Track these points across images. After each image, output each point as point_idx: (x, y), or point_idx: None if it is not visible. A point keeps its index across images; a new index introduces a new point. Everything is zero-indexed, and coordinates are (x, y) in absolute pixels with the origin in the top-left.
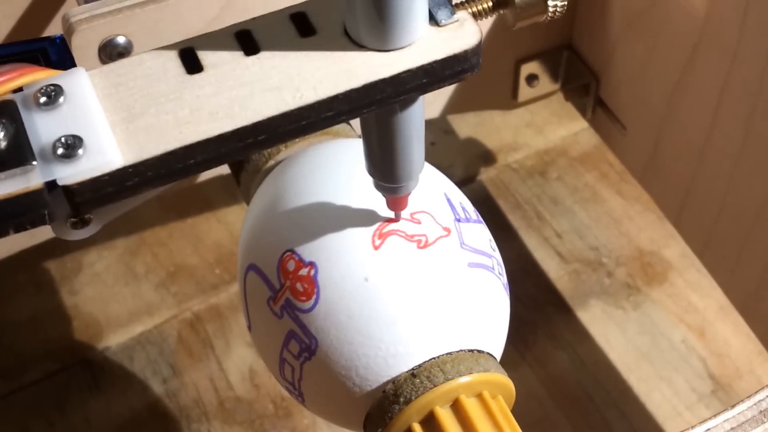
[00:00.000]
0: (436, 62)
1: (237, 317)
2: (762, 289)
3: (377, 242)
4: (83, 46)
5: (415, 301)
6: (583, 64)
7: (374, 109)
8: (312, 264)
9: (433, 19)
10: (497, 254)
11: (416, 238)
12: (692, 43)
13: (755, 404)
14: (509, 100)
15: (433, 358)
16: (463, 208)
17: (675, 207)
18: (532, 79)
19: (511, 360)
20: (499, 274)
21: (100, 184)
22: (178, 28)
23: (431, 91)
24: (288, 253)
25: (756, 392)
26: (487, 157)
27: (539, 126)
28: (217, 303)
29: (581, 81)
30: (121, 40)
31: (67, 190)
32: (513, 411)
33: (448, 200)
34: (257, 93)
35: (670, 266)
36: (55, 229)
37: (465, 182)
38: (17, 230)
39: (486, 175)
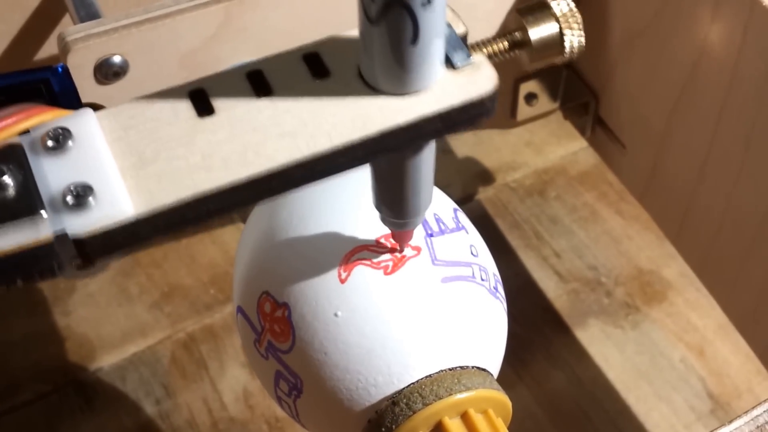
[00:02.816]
0: (453, 108)
1: (231, 338)
2: (761, 308)
3: (343, 275)
4: (79, 65)
5: (387, 329)
6: (582, 83)
7: (387, 154)
8: (285, 305)
9: (448, 62)
10: (481, 258)
11: (383, 264)
12: (692, 61)
13: (752, 419)
14: (508, 119)
15: (413, 384)
16: (438, 220)
17: (674, 226)
18: (531, 98)
19: (507, 379)
20: (482, 279)
21: (112, 234)
22: (174, 47)
23: (445, 135)
24: (264, 295)
25: (753, 407)
26: (485, 177)
27: (538, 145)
28: (212, 323)
29: (580, 100)
30: (117, 59)
31: (78, 241)
32: (509, 430)
33: None
34: (270, 139)
35: (670, 285)
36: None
37: (463, 201)
38: (25, 281)
39: (484, 194)
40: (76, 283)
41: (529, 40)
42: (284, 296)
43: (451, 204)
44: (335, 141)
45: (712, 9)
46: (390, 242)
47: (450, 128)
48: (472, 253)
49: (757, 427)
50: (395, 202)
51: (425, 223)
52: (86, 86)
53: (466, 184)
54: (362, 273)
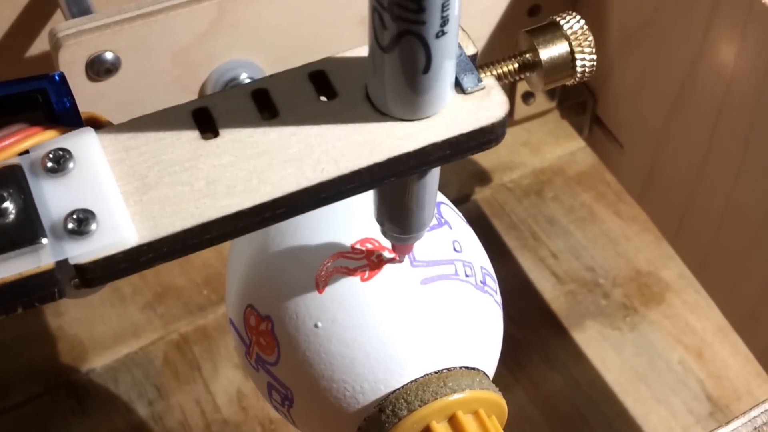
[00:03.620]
0: (462, 135)
1: (225, 339)
2: (760, 309)
3: (321, 285)
4: (71, 62)
5: (368, 337)
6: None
7: (393, 180)
8: (268, 318)
9: (458, 86)
10: (465, 253)
11: (360, 270)
12: (690, 60)
13: (750, 420)
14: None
15: (398, 390)
16: None
17: (672, 226)
18: (528, 96)
19: (504, 381)
20: (467, 275)
21: (114, 261)
22: (167, 43)
23: (453, 161)
24: (249, 309)
25: (751, 408)
26: (482, 177)
27: (535, 145)
28: (205, 324)
29: (578, 99)
30: (108, 56)
31: (79, 268)
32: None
33: None
34: (276, 165)
35: (668, 287)
36: None
37: (459, 202)
38: (25, 308)
39: (481, 194)
40: None
41: (540, 61)
42: (267, 309)
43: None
44: (342, 168)
45: (710, 7)
46: (366, 246)
47: (458, 154)
48: (455, 249)
49: (755, 428)
50: (399, 219)
51: None
52: (78, 83)
53: (463, 185)
54: (339, 282)
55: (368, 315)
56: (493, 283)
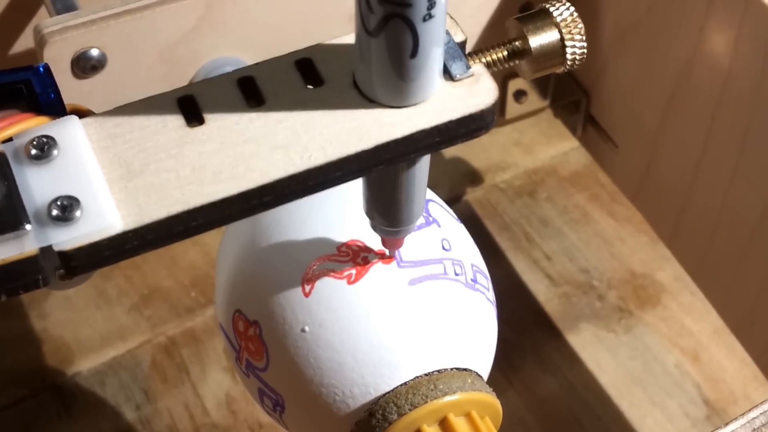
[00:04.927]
0: (450, 122)
1: (213, 341)
2: (757, 310)
3: (307, 288)
4: (56, 58)
5: (356, 341)
6: (573, 81)
7: (382, 167)
8: (256, 323)
9: (447, 73)
10: (455, 252)
11: (346, 272)
12: (686, 58)
13: (748, 422)
14: (496, 116)
15: (388, 393)
16: None
17: (668, 227)
18: (520, 95)
19: (497, 385)
20: (456, 274)
21: (99, 248)
22: (154, 40)
23: (442, 148)
24: (237, 314)
25: (749, 410)
26: (473, 177)
27: (527, 145)
28: (193, 327)
29: (571, 98)
30: (94, 52)
31: (64, 254)
32: None
33: None
34: (263, 152)
35: (663, 289)
36: None
37: (451, 202)
38: (9, 296)
39: (473, 195)
40: None
41: (529, 48)
42: (254, 314)
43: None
44: (330, 155)
45: (706, 4)
46: (351, 248)
47: (447, 142)
48: (443, 248)
49: (753, 429)
50: (388, 212)
51: None
52: (63, 80)
53: (454, 185)
54: (325, 285)
55: (355, 318)
56: (485, 281)
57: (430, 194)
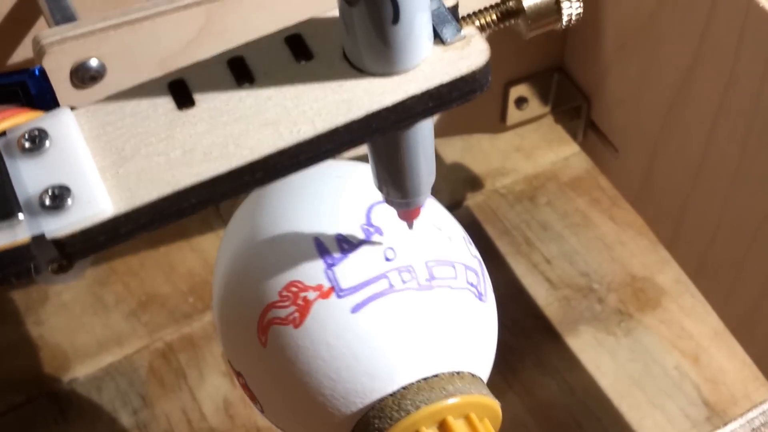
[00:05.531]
0: (442, 86)
1: (210, 347)
2: (758, 312)
3: (263, 339)
4: (55, 69)
5: (311, 381)
6: (574, 86)
7: (377, 137)
8: (240, 374)
9: (438, 38)
10: (400, 258)
11: (290, 317)
12: (687, 64)
13: (748, 422)
14: (497, 123)
15: (387, 397)
16: (340, 241)
17: (669, 231)
18: (521, 101)
19: (497, 387)
20: (404, 282)
21: (91, 234)
22: (153, 50)
23: (438, 113)
24: (229, 362)
25: (749, 410)
26: (474, 182)
27: (528, 150)
28: (190, 332)
29: (572, 103)
30: (94, 63)
31: (58, 242)
32: None
33: (318, 247)
34: (253, 129)
35: (663, 292)
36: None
37: (451, 208)
38: (1, 284)
39: (473, 200)
40: (49, 292)
41: (522, 8)
42: (237, 365)
43: (364, 207)
44: (319, 127)
45: (707, 10)
46: (291, 291)
47: (441, 106)
48: (386, 258)
49: (753, 429)
50: (396, 182)
51: (324, 254)
52: (62, 90)
53: (455, 190)
54: (276, 333)
55: (307, 360)
56: (451, 272)
57: (375, 196)
